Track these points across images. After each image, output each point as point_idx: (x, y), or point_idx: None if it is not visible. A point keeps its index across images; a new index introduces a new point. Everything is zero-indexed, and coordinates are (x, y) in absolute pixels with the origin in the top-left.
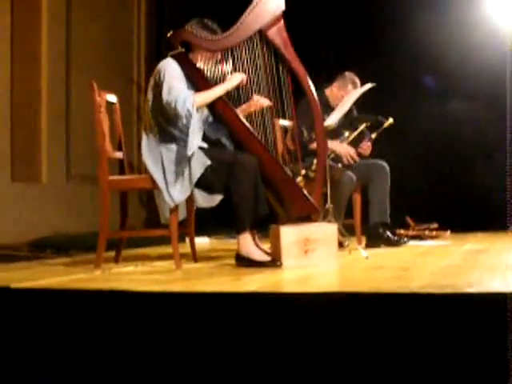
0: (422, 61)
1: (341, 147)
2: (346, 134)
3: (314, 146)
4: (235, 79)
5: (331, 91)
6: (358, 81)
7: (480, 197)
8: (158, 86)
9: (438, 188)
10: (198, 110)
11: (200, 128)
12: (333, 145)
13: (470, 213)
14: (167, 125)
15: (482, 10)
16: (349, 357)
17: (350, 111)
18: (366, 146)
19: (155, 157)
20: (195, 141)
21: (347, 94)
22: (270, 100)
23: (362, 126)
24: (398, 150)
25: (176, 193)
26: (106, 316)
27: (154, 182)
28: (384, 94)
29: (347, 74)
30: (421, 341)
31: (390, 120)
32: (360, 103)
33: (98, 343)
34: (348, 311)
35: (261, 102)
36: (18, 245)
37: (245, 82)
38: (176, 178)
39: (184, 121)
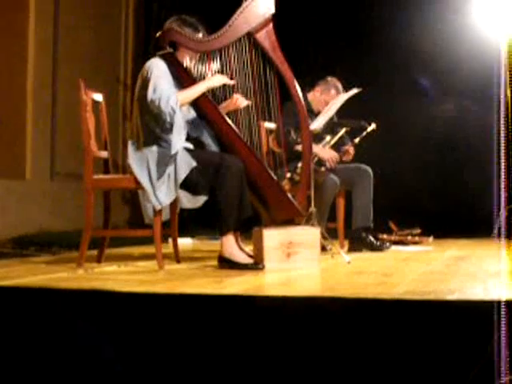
0: (411, 64)
1: (324, 151)
2: (328, 138)
3: (299, 147)
4: (217, 80)
5: (314, 95)
6: (340, 86)
7: (463, 203)
8: (145, 85)
9: (422, 193)
10: (180, 108)
11: (184, 127)
12: (316, 149)
13: (453, 219)
14: (154, 124)
15: (473, 11)
16: (329, 361)
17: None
18: (349, 151)
19: (141, 159)
20: (179, 140)
21: (330, 98)
22: (257, 102)
23: (342, 131)
24: (383, 155)
25: (162, 196)
26: (88, 316)
27: (138, 182)
28: (372, 98)
29: (330, 78)
30: (401, 347)
31: (373, 126)
32: (344, 108)
33: (79, 343)
34: (329, 316)
35: (239, 101)
36: (1, 241)
37: (229, 83)
38: (162, 179)
39: (168, 119)
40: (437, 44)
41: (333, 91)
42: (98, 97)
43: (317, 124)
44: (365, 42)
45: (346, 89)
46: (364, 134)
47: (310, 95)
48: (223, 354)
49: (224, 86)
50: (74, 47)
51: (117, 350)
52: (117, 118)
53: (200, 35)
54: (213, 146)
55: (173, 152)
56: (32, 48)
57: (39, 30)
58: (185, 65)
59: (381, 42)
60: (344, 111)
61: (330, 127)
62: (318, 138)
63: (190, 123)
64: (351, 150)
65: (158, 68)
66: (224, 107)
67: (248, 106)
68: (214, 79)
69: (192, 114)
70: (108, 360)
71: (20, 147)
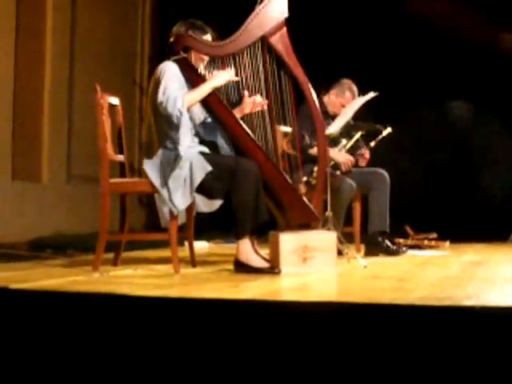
0: (424, 68)
1: (339, 155)
2: (344, 141)
3: (313, 151)
4: (222, 76)
5: (329, 98)
6: (355, 88)
7: (479, 207)
8: (157, 88)
9: (438, 197)
10: (188, 109)
11: (191, 128)
12: (331, 153)
13: (470, 223)
14: (167, 127)
15: None
16: (345, 367)
17: None
18: (364, 155)
19: (156, 164)
20: (185, 140)
21: (345, 101)
22: (271, 105)
23: (358, 134)
24: (399, 159)
25: (178, 200)
26: (103, 319)
27: (154, 185)
28: (386, 101)
29: (345, 80)
30: (418, 353)
31: (389, 129)
32: (361, 111)
33: (94, 346)
34: (345, 321)
35: (256, 102)
36: (18, 244)
37: (234, 78)
38: (177, 184)
39: (175, 120)
40: (452, 46)
41: (347, 93)
42: (115, 100)
43: (333, 128)
44: (379, 45)
45: (362, 92)
46: (380, 137)
47: (325, 98)
48: (239, 358)
49: (238, 89)
50: (90, 51)
51: (131, 354)
52: (133, 121)
53: (209, 36)
54: (228, 150)
55: (181, 151)
56: (49, 52)
57: (56, 34)
58: (199, 70)
59: (396, 45)
60: (358, 114)
61: (346, 130)
62: (333, 141)
63: (206, 127)
64: (367, 153)
65: (169, 71)
66: (240, 109)
67: (263, 110)
68: (218, 77)
69: (206, 116)
70: (122, 362)
71: (36, 150)
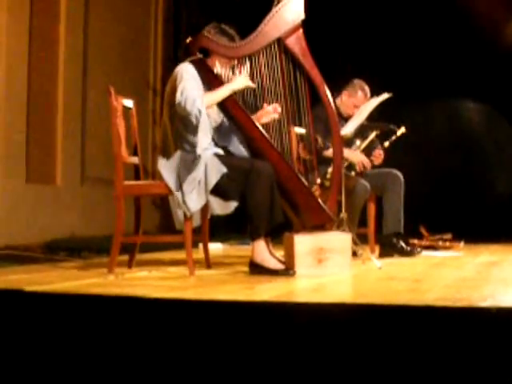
0: (436, 69)
1: (354, 155)
2: (358, 142)
3: (327, 153)
4: (240, 82)
5: (341, 100)
6: (367, 87)
7: (494, 207)
8: (174, 90)
9: (452, 198)
10: (208, 112)
11: (210, 129)
12: (346, 153)
13: (485, 223)
14: (183, 128)
15: None
16: (361, 368)
17: None
18: (378, 155)
19: (170, 165)
20: (205, 140)
21: (357, 100)
22: (287, 107)
23: (373, 134)
24: (413, 160)
25: (191, 202)
26: (118, 322)
27: (168, 188)
28: (398, 102)
29: (356, 81)
30: (434, 354)
31: (402, 129)
32: (373, 112)
33: (109, 349)
34: (361, 323)
35: (271, 114)
36: (32, 246)
37: (251, 86)
38: (192, 186)
39: (194, 120)
40: (465, 46)
41: (359, 93)
42: (129, 103)
43: (348, 129)
44: (392, 47)
45: (375, 93)
46: (394, 137)
47: (337, 100)
48: (254, 360)
49: (254, 92)
50: (103, 53)
51: (146, 356)
52: (146, 123)
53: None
54: (242, 153)
55: (198, 151)
56: (62, 55)
57: (69, 36)
58: (215, 71)
59: (408, 46)
60: (371, 115)
61: (360, 131)
62: (347, 142)
63: (219, 131)
64: (381, 153)
65: (187, 72)
66: (256, 118)
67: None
68: (237, 82)
69: (222, 120)
70: (137, 365)
71: (51, 152)
